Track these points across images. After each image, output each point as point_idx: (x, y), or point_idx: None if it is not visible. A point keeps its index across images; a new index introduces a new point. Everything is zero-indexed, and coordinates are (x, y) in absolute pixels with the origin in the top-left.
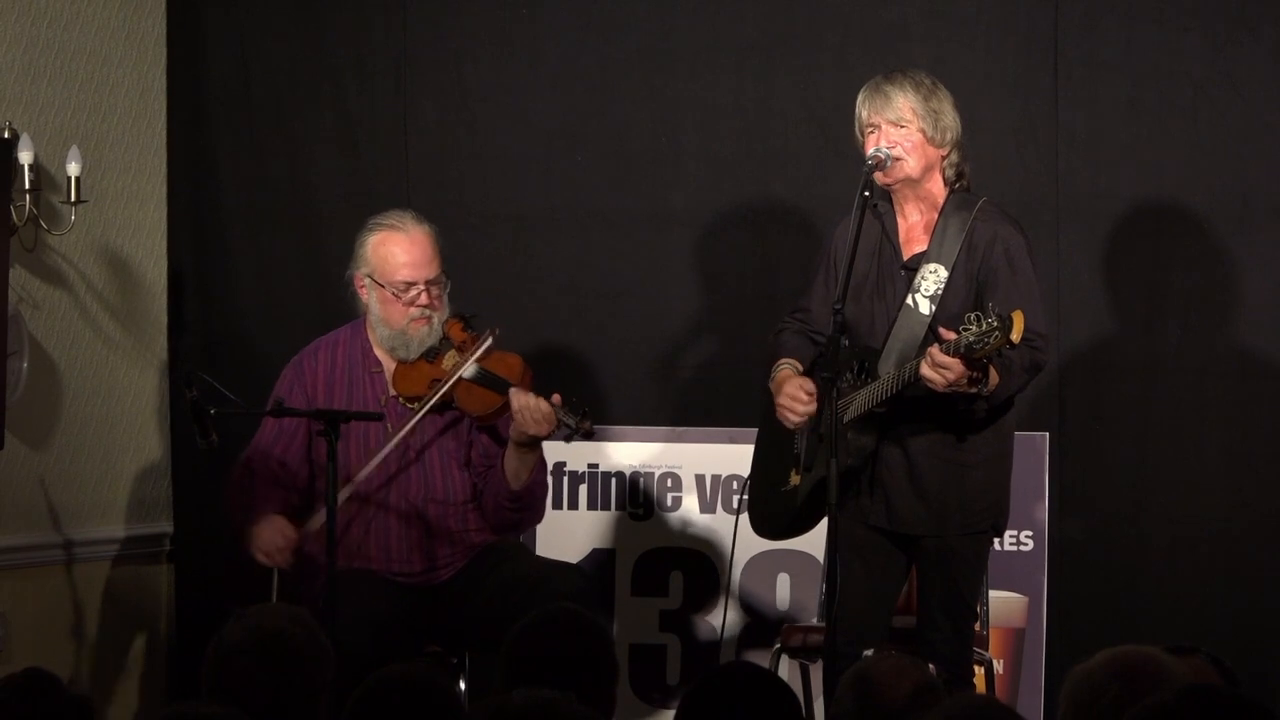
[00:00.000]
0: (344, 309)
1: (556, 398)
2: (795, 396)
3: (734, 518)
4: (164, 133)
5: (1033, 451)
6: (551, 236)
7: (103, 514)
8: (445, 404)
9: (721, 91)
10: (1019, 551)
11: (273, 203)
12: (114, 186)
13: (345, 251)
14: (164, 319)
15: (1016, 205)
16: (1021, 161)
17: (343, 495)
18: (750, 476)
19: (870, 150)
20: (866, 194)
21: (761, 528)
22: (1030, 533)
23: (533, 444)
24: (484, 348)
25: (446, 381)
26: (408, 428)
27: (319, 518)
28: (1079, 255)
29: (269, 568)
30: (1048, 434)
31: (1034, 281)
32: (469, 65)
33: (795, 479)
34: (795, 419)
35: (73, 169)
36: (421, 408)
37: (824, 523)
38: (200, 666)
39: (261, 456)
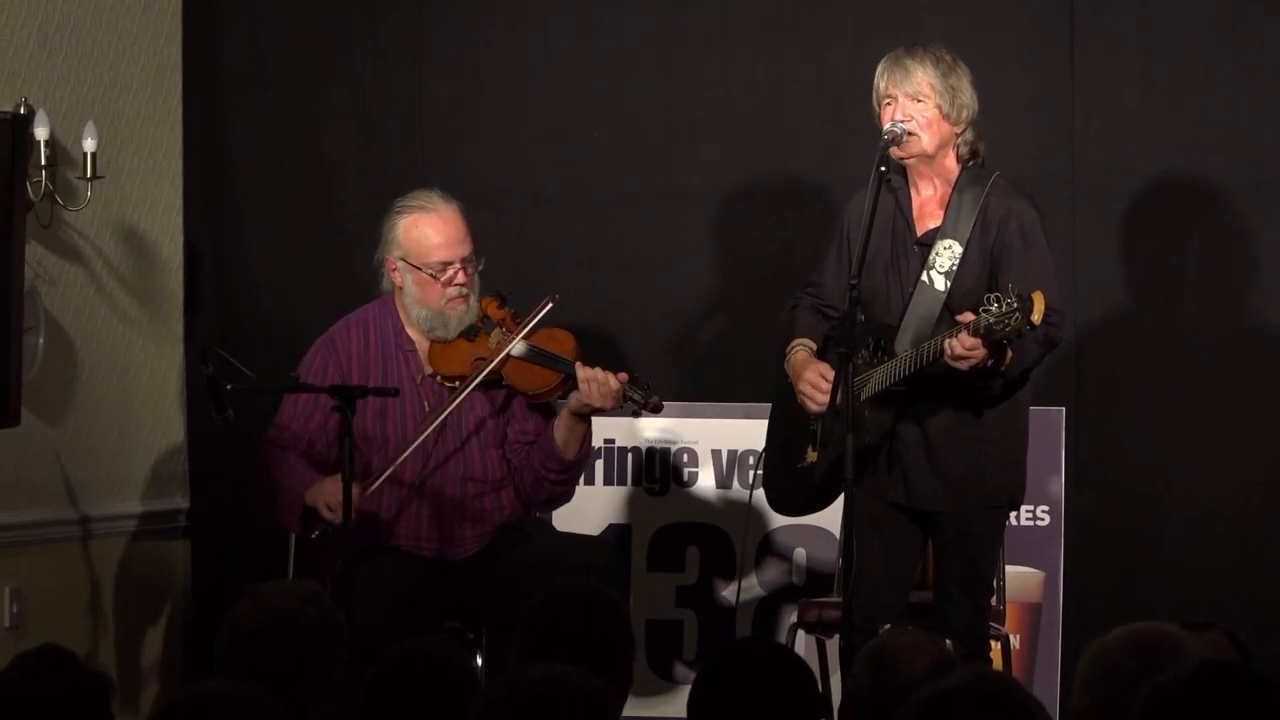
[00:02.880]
0: (360, 286)
1: (624, 375)
2: (816, 385)
3: (749, 493)
4: (180, 109)
5: (1049, 426)
6: (567, 213)
7: (119, 490)
8: (494, 382)
9: (736, 69)
10: (1035, 526)
11: (288, 180)
12: (130, 163)
13: (361, 228)
14: (180, 295)
15: (1032, 181)
16: (1037, 138)
17: (383, 477)
18: (765, 453)
19: (886, 125)
20: (882, 169)
21: (778, 504)
22: (1046, 508)
23: (589, 416)
24: (542, 313)
25: (495, 358)
26: (454, 404)
27: (377, 480)
28: (1095, 231)
29: (317, 529)
30: (1064, 409)
31: (1049, 256)
32: (484, 43)
33: (812, 455)
34: (816, 407)
35: (88, 145)
36: (468, 384)
37: (841, 498)
38: (213, 645)
39: (285, 433)
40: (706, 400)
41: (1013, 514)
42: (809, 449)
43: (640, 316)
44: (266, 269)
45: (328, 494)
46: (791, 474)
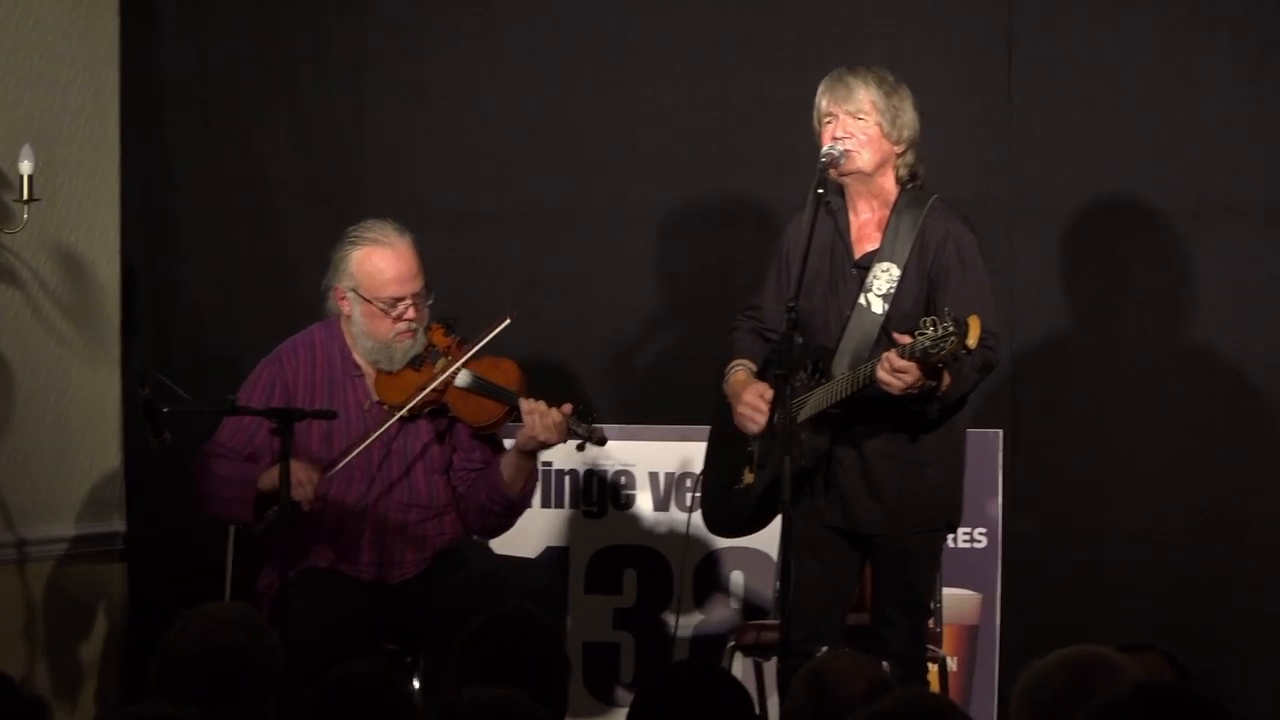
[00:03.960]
0: (300, 308)
1: (567, 407)
2: (755, 406)
3: (687, 516)
4: (118, 131)
5: (986, 449)
6: (508, 234)
7: (55, 513)
8: (439, 411)
9: (678, 89)
10: (973, 549)
11: (228, 202)
12: (67, 185)
13: (301, 250)
14: (117, 318)
15: (971, 202)
16: (976, 157)
17: (345, 461)
18: (703, 474)
19: (825, 146)
20: (820, 190)
21: (715, 526)
22: (984, 530)
23: (535, 452)
24: (499, 330)
25: (431, 384)
26: (384, 428)
27: (339, 464)
28: (1033, 251)
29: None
30: (1001, 431)
31: (986, 280)
32: (426, 63)
33: (749, 477)
34: (755, 428)
35: (25, 167)
36: (407, 403)
37: (778, 520)
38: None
39: (224, 447)
40: (644, 423)
41: (950, 536)
42: (746, 471)
43: (581, 338)
44: (205, 291)
45: (295, 469)
46: (728, 496)
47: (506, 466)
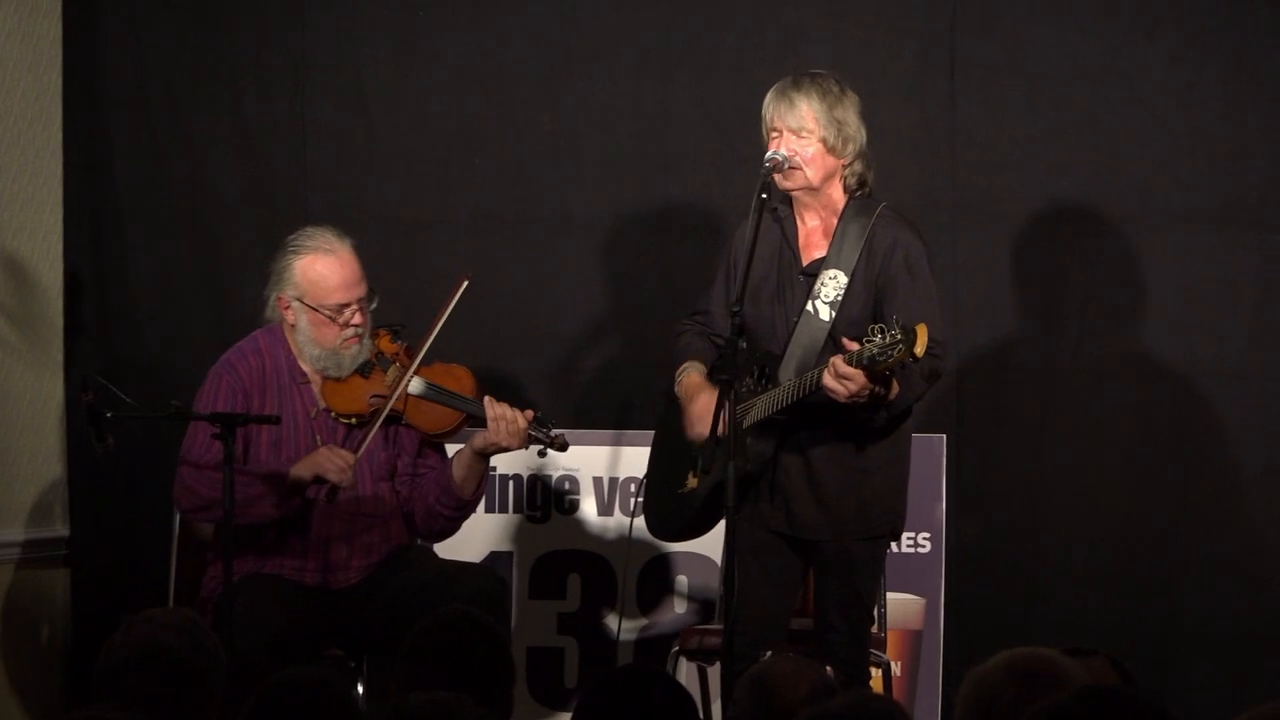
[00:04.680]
0: (242, 312)
1: (529, 413)
2: (708, 410)
3: (635, 520)
4: (60, 134)
5: (930, 453)
6: (449, 239)
7: None
8: (392, 418)
9: (620, 94)
10: (916, 553)
11: (170, 206)
12: (9, 189)
13: (243, 254)
14: (60, 322)
15: (914, 208)
16: (919, 163)
17: (347, 477)
18: (646, 478)
19: (769, 153)
20: (764, 196)
21: (658, 529)
22: (928, 534)
23: (493, 454)
24: (458, 296)
25: (393, 396)
26: (363, 447)
27: (360, 447)
28: (977, 257)
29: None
30: (945, 436)
31: (933, 288)
32: (367, 68)
33: (693, 482)
34: (693, 435)
35: None
36: (375, 423)
37: (722, 525)
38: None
39: (208, 454)
40: (589, 427)
41: (894, 541)
42: (690, 475)
43: (525, 343)
44: (148, 295)
45: (323, 460)
46: (672, 499)
47: (459, 467)
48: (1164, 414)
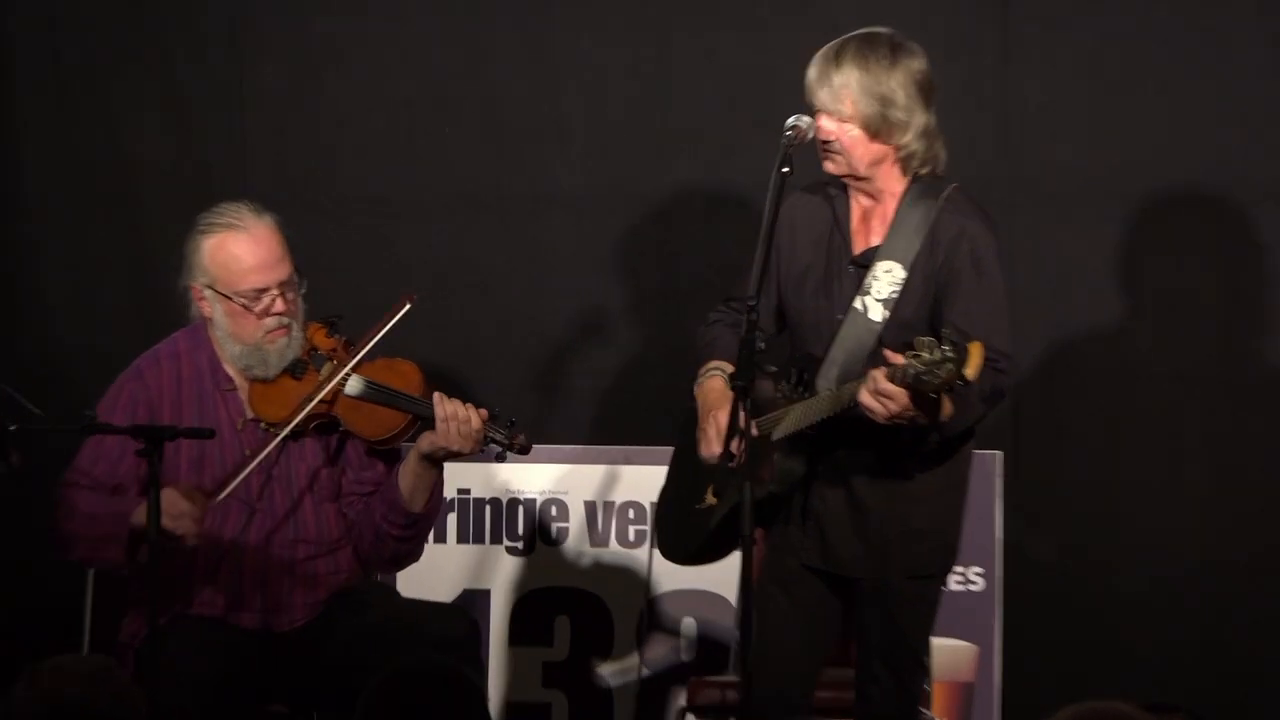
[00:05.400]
0: (173, 307)
1: (483, 412)
2: (722, 427)
3: (635, 551)
4: None
5: (983, 474)
6: (415, 223)
7: None
8: (329, 427)
9: (612, 52)
10: (967, 591)
11: (87, 188)
12: None
13: (173, 240)
14: None
15: (962, 185)
16: (964, 132)
17: (186, 525)
18: (664, 489)
19: (790, 120)
20: (785, 170)
21: (668, 550)
22: (980, 570)
23: (443, 461)
24: (397, 318)
25: (318, 394)
26: (270, 446)
27: (224, 490)
28: (1033, 242)
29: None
30: (1000, 453)
31: (1002, 291)
32: (316, 22)
33: (711, 498)
34: (707, 453)
35: None
36: (284, 424)
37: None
38: None
39: (88, 477)
40: (579, 443)
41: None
42: (709, 489)
43: (500, 344)
44: (59, 290)
45: (167, 504)
46: (687, 515)
47: (405, 475)
48: (1256, 426)
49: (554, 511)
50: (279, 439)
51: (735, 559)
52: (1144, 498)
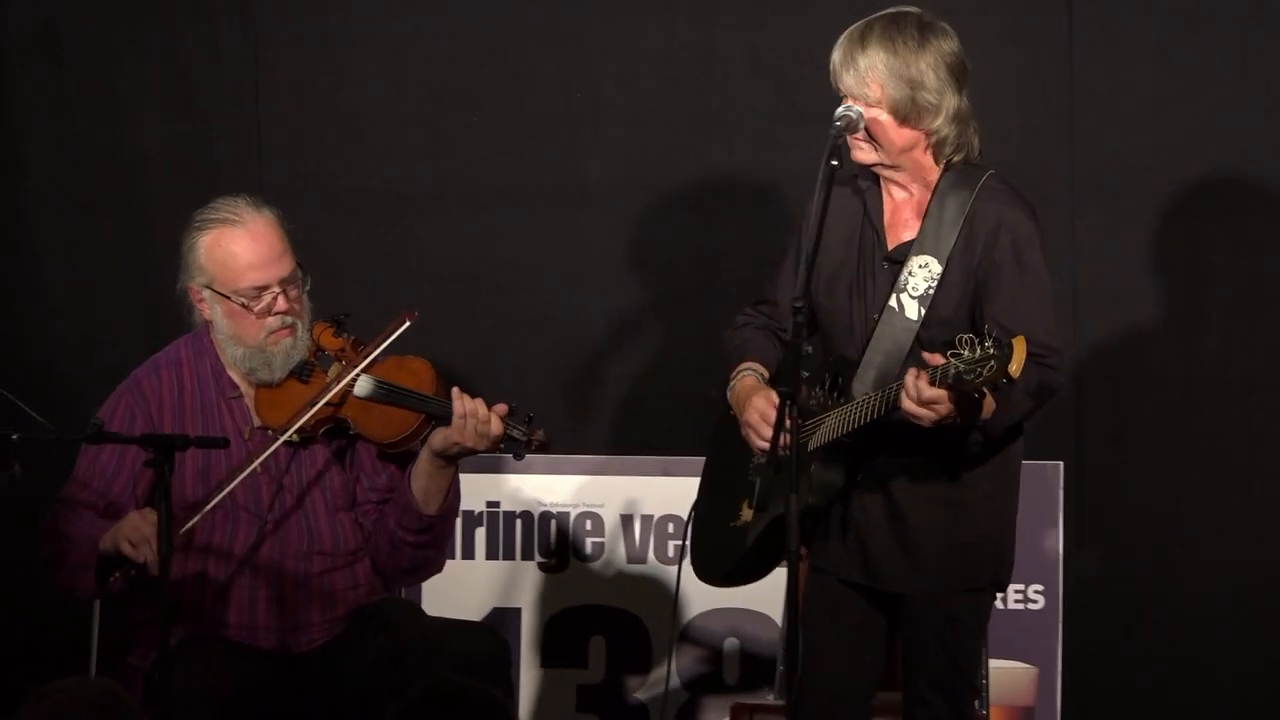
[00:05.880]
0: (178, 308)
1: (501, 408)
2: (765, 414)
3: (673, 567)
4: None
5: (1043, 484)
6: (438, 217)
7: None
8: (339, 430)
9: (649, 36)
10: (1026, 610)
11: (89, 180)
12: None
13: (180, 236)
14: None
15: (1021, 178)
16: (1027, 123)
17: (145, 552)
18: (695, 506)
19: (840, 109)
20: (835, 163)
21: (703, 569)
22: (1040, 587)
23: (457, 458)
24: (398, 335)
25: (323, 397)
26: (261, 458)
27: (199, 513)
28: (1098, 238)
29: (117, 575)
30: (1061, 463)
31: (1046, 283)
32: (332, 5)
33: (747, 513)
34: (762, 443)
35: None
36: (290, 426)
37: (781, 572)
38: None
39: (83, 492)
40: (615, 453)
41: (998, 596)
42: (744, 504)
43: (530, 346)
44: (61, 290)
45: (129, 529)
46: (722, 533)
47: (418, 476)
48: None
49: (588, 525)
50: (275, 445)
51: (779, 574)
52: (1214, 510)
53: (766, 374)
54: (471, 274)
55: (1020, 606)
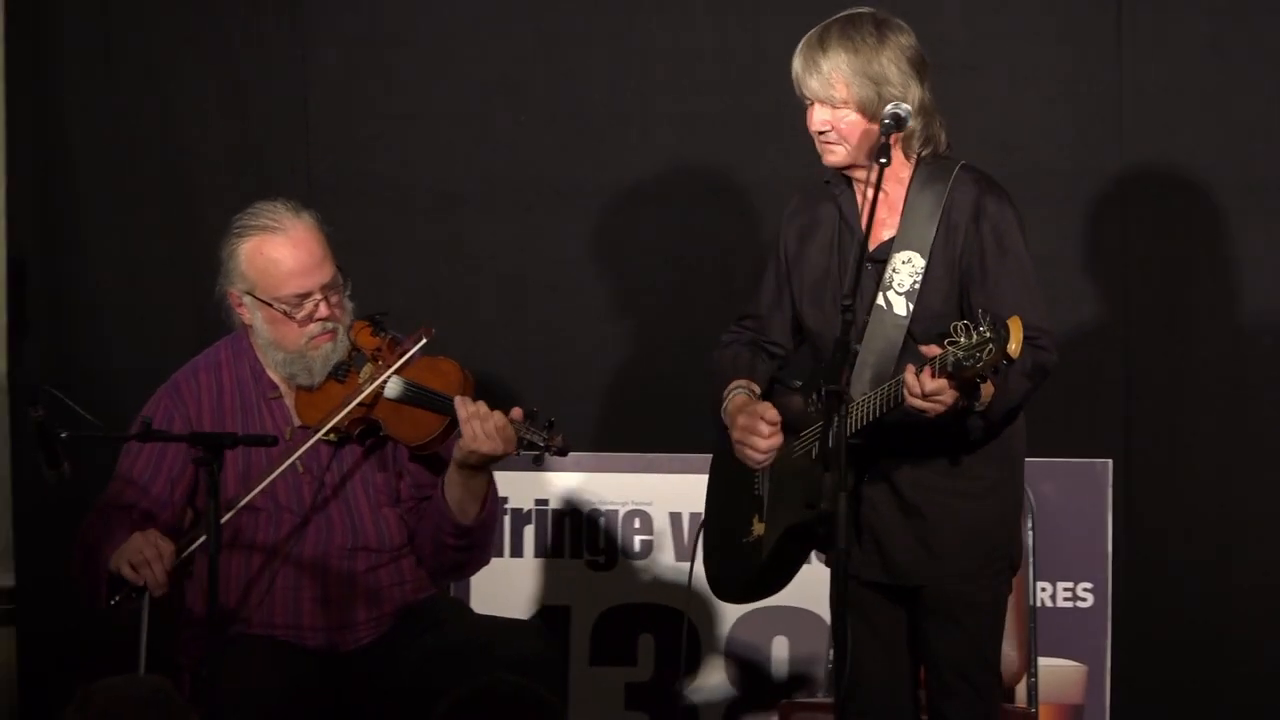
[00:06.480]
0: (226, 309)
1: (517, 412)
2: (751, 428)
3: (689, 568)
4: (1, 97)
5: (1092, 482)
6: (486, 216)
7: None
8: (372, 430)
9: (699, 36)
10: (1075, 608)
11: (139, 179)
12: None
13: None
14: (3, 321)
15: (1069, 176)
16: (1075, 121)
17: (151, 575)
18: (704, 523)
19: (889, 106)
20: (883, 160)
21: (718, 586)
22: (1089, 585)
23: (481, 466)
24: (414, 352)
25: (354, 398)
26: (288, 462)
27: (230, 511)
28: (1150, 238)
29: (118, 595)
30: (1110, 461)
31: (1028, 264)
32: (382, 3)
33: (758, 528)
34: (758, 456)
35: None
36: (318, 431)
37: (812, 578)
38: None
39: (122, 494)
40: (662, 450)
41: (1049, 593)
42: (754, 519)
43: (577, 345)
44: (110, 290)
45: (131, 551)
46: (734, 550)
47: (451, 486)
48: None
49: (637, 523)
50: (307, 445)
51: (825, 573)
52: (1264, 508)
53: (757, 389)
54: (519, 273)
55: (1069, 605)
